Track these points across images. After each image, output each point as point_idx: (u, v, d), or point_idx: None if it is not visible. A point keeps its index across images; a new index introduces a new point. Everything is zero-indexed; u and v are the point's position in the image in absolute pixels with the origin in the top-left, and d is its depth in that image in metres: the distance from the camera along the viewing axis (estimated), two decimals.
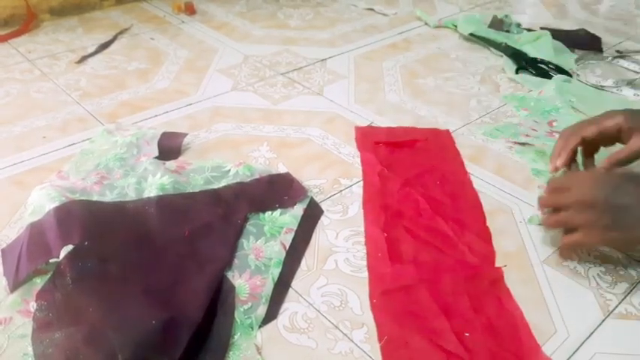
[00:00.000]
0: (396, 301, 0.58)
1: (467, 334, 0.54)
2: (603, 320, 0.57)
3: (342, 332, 0.55)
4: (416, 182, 0.75)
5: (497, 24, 1.28)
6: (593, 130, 0.68)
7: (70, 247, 0.58)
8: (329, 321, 0.56)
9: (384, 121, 0.92)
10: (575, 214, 0.60)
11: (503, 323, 0.56)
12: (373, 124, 0.91)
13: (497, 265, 0.63)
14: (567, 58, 1.13)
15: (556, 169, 0.69)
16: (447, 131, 0.89)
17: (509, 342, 0.54)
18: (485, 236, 0.67)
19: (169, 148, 0.81)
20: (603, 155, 0.69)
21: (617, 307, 0.59)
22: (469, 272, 0.61)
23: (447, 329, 0.54)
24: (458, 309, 0.57)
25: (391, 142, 0.85)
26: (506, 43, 1.18)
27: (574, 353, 0.54)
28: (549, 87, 0.99)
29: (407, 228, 0.67)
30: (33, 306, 0.55)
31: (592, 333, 0.56)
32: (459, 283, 0.60)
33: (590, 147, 0.71)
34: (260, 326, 0.55)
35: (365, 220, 0.69)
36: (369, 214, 0.70)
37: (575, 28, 1.33)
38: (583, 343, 0.55)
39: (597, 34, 1.28)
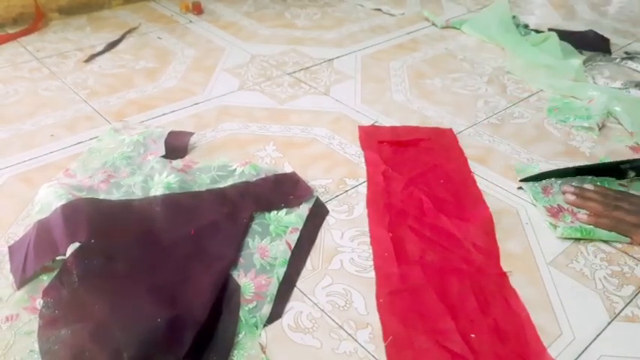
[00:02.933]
0: (403, 301, 0.58)
1: (473, 336, 0.54)
2: (609, 323, 0.57)
3: (346, 332, 0.55)
4: (420, 181, 0.75)
5: None
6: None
7: (76, 244, 0.58)
8: (333, 321, 0.56)
9: (390, 122, 0.92)
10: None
11: (510, 325, 0.56)
12: (377, 124, 0.91)
13: (502, 264, 0.63)
14: (575, 60, 1.12)
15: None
16: (451, 130, 0.89)
17: (515, 344, 0.54)
18: (490, 232, 0.68)
19: (176, 146, 0.81)
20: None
21: (623, 309, 0.59)
22: (475, 273, 0.61)
23: (452, 330, 0.54)
24: (464, 310, 0.57)
25: (395, 142, 0.85)
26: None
27: (580, 355, 0.53)
28: (601, 97, 0.97)
29: (411, 227, 0.67)
30: (39, 303, 0.56)
31: (598, 335, 0.55)
32: (465, 284, 0.60)
33: None
34: (265, 325, 0.55)
35: (369, 220, 0.69)
36: (373, 213, 0.70)
37: (583, 29, 1.33)
38: (589, 345, 0.54)
39: (606, 35, 1.28)
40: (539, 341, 0.54)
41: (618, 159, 0.82)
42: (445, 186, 0.75)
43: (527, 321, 0.56)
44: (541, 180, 0.77)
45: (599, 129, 0.91)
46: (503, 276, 0.62)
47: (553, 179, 0.76)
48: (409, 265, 0.62)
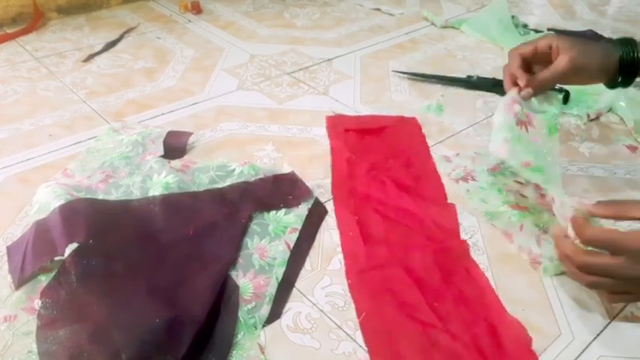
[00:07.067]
0: (372, 279, 0.60)
1: (436, 304, 0.57)
2: (608, 323, 0.57)
3: (345, 333, 0.55)
4: (382, 166, 0.78)
5: None
6: (530, 48, 0.69)
7: (75, 245, 0.58)
8: (332, 321, 0.56)
9: None
10: (625, 284, 0.52)
11: (471, 291, 0.59)
12: (342, 113, 0.93)
13: (499, 262, 0.63)
14: None
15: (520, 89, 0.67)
16: (414, 119, 0.92)
17: (478, 307, 0.57)
18: (450, 211, 0.70)
19: (175, 147, 0.81)
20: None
21: (622, 310, 0.58)
22: (438, 247, 0.64)
23: (421, 302, 0.57)
24: (430, 282, 0.59)
25: (360, 129, 0.87)
26: None
27: (579, 356, 0.53)
28: (610, 90, 0.97)
29: (376, 209, 0.69)
30: (37, 303, 0.56)
31: (597, 336, 0.55)
32: (429, 258, 0.62)
33: (529, 66, 0.71)
34: (263, 326, 0.55)
35: (335, 204, 0.71)
36: (338, 198, 0.72)
37: (582, 29, 1.33)
38: (588, 346, 0.54)
39: (605, 35, 1.27)
40: (498, 302, 0.58)
41: (617, 159, 0.83)
42: (406, 170, 0.77)
43: (486, 287, 0.60)
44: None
45: (590, 120, 0.92)
46: (463, 247, 0.64)
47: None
48: (375, 245, 0.64)
